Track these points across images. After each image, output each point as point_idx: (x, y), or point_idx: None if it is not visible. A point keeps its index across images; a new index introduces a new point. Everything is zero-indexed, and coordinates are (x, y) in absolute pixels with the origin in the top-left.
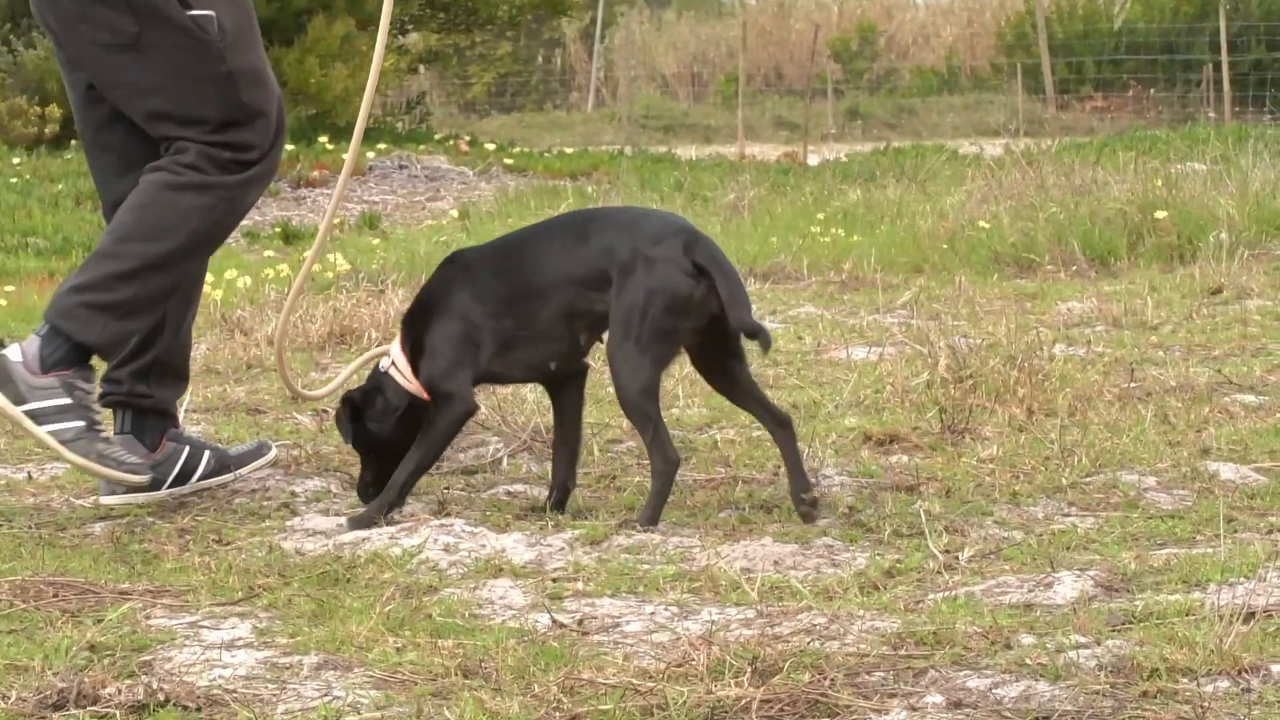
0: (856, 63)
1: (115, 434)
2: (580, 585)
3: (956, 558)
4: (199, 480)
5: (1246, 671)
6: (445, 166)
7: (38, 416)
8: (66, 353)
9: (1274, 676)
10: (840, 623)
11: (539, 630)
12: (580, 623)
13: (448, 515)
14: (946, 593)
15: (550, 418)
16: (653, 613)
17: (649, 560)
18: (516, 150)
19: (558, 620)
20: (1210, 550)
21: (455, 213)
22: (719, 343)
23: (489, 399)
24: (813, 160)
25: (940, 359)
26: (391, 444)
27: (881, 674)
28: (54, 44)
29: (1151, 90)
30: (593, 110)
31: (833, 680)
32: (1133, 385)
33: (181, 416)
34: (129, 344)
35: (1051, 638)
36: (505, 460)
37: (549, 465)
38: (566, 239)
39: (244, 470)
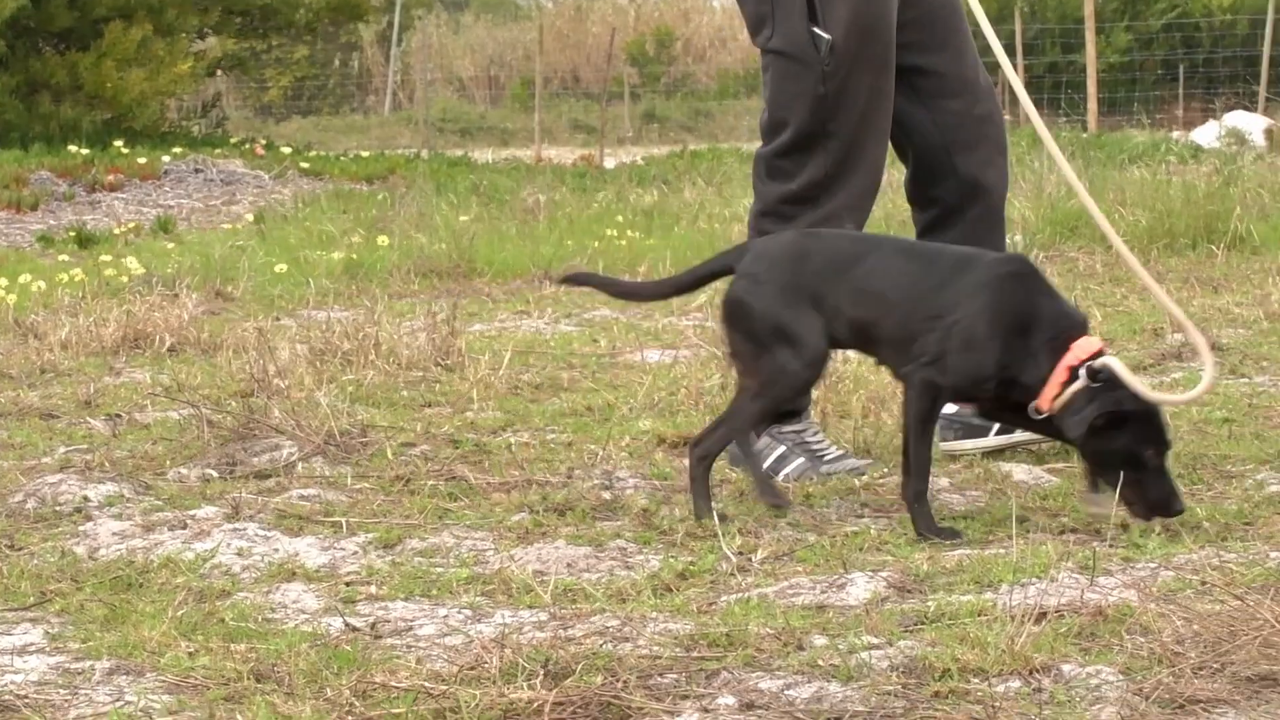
0: (653, 66)
1: None
2: (373, 589)
3: (750, 559)
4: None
5: (1038, 671)
6: (241, 170)
7: (775, 472)
8: None
9: (1065, 676)
10: (633, 625)
11: (332, 634)
12: (373, 626)
13: (240, 519)
14: (739, 594)
15: (343, 422)
16: (446, 616)
17: (442, 563)
18: (313, 154)
19: (350, 624)
20: (1002, 551)
21: (251, 217)
22: None
23: (284, 403)
24: (609, 163)
25: None
26: None
27: (674, 676)
28: None
29: None
30: (390, 114)
31: (625, 682)
32: None
33: None
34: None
35: (844, 639)
36: (299, 464)
37: (342, 469)
38: None
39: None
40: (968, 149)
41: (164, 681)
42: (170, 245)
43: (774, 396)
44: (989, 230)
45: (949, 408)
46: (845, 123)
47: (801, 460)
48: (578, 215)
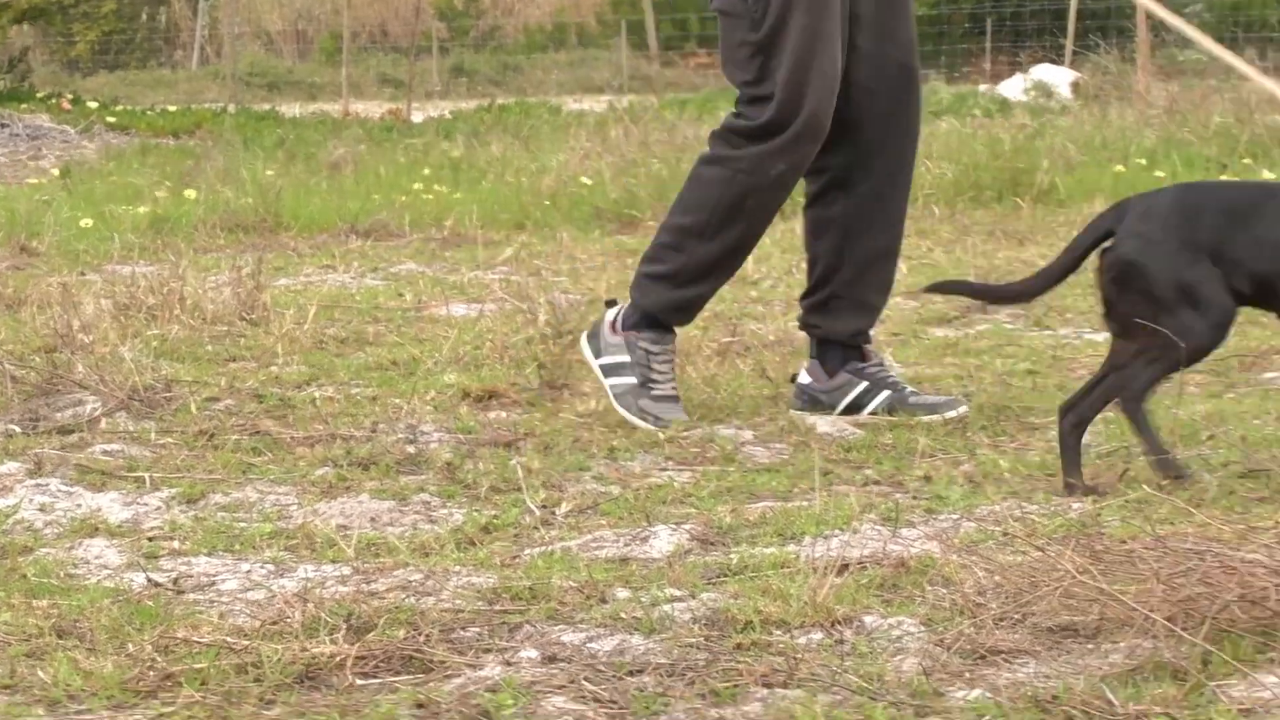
0: (461, 20)
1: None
2: (176, 544)
3: (553, 513)
4: (869, 414)
5: (840, 623)
6: (47, 125)
7: (606, 370)
8: (640, 317)
9: (867, 628)
10: (436, 579)
11: (134, 589)
12: (176, 581)
13: (43, 475)
14: (543, 548)
15: (147, 377)
16: (249, 571)
17: (245, 518)
18: (120, 108)
19: (153, 579)
20: (806, 503)
21: (56, 171)
22: None
23: (88, 358)
24: (417, 117)
25: (540, 315)
26: None
27: (477, 629)
28: None
29: None
30: (197, 68)
31: (428, 636)
32: (732, 340)
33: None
34: (695, 309)
35: (646, 591)
36: (103, 419)
37: (145, 424)
38: None
39: (928, 418)
40: (868, 127)
41: None
42: None
43: (1173, 360)
44: (878, 209)
45: (803, 377)
46: (782, 68)
47: (631, 380)
48: (385, 169)
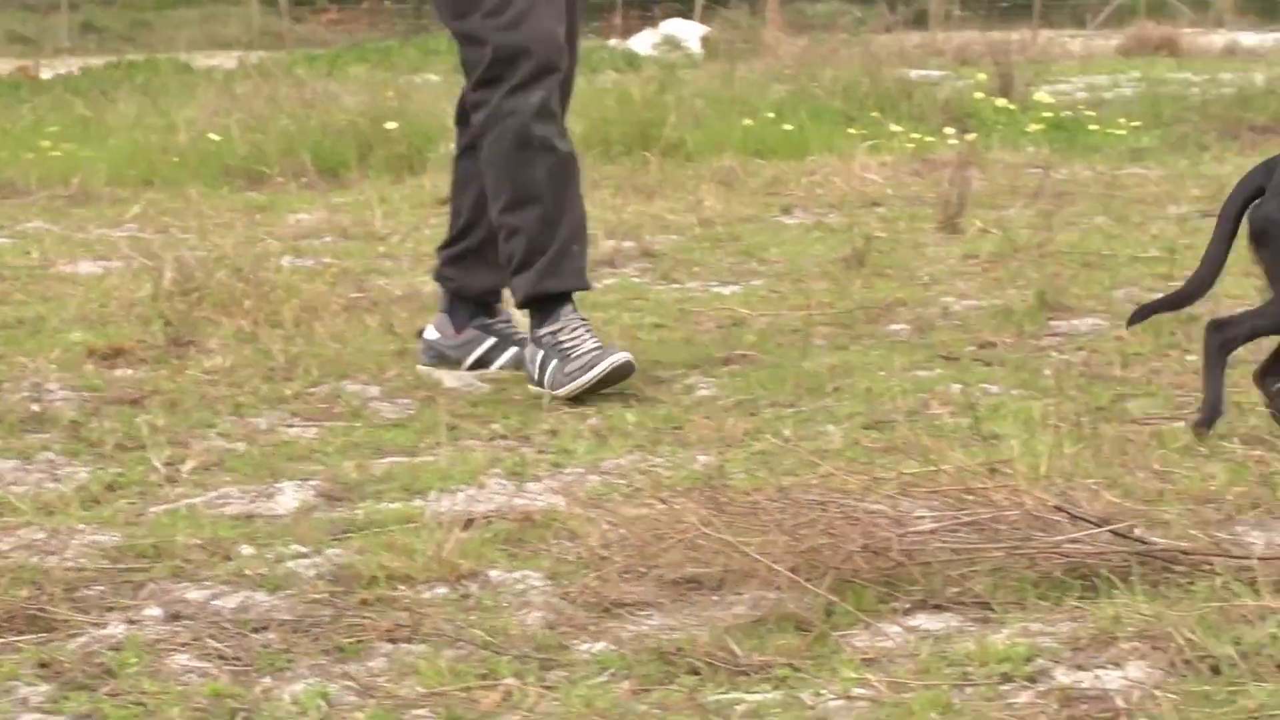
0: None
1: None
2: None
3: (179, 470)
4: (497, 369)
5: (465, 578)
6: None
7: (542, 376)
8: (533, 313)
9: (492, 582)
10: (60, 537)
11: None
12: None
13: None
14: (168, 505)
15: None
16: None
17: None
18: None
19: None
20: (432, 458)
21: None
22: None
23: None
24: (47, 75)
25: (167, 272)
26: None
27: (100, 588)
28: None
29: (386, 2)
30: None
31: (51, 595)
32: (359, 295)
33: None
34: (566, 269)
35: (271, 548)
36: None
37: None
38: None
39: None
40: None
41: None
42: None
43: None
44: None
45: (430, 333)
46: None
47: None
48: (11, 127)
